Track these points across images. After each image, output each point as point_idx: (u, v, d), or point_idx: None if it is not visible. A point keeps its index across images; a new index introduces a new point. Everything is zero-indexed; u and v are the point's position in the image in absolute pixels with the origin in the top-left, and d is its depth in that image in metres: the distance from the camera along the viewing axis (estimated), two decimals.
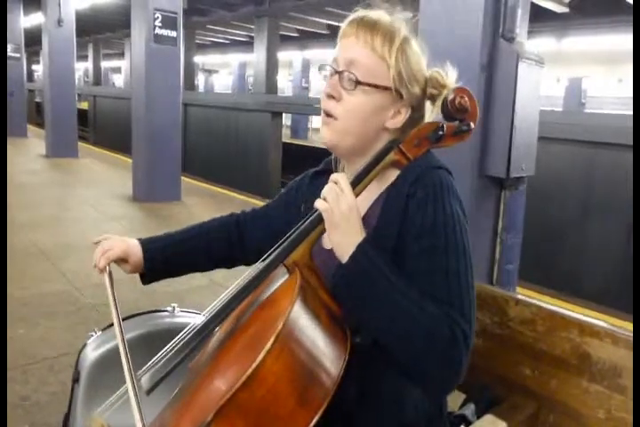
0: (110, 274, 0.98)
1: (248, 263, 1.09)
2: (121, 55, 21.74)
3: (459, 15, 1.88)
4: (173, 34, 5.19)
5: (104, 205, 5.40)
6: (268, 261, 0.80)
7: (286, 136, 12.34)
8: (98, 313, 2.69)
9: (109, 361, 1.09)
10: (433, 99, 0.87)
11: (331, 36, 13.91)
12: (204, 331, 0.76)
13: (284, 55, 12.25)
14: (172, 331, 1.13)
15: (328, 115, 0.85)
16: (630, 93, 14.36)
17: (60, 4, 7.86)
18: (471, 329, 0.74)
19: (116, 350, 1.10)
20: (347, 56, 0.84)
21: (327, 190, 0.77)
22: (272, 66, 10.34)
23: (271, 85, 10.39)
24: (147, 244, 1.04)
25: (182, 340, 0.76)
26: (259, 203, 5.96)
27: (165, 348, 0.76)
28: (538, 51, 2.17)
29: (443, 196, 0.79)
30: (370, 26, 0.83)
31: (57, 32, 7.94)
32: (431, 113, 0.88)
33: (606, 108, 13.46)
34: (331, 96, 0.84)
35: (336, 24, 12.16)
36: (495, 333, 1.07)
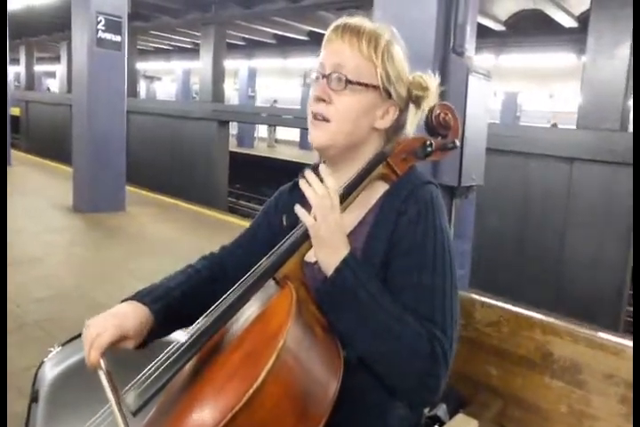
0: (106, 369, 0.74)
1: None
2: (56, 59, 20.80)
3: (412, 31, 1.95)
4: (117, 38, 5.03)
5: (43, 216, 5.12)
6: (257, 274, 0.78)
7: (232, 145, 12.22)
8: (42, 331, 2.54)
9: (71, 378, 1.03)
10: (417, 102, 0.88)
11: (277, 45, 13.98)
12: (195, 346, 0.72)
13: (229, 63, 12.16)
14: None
15: (317, 117, 0.85)
16: (559, 108, 15.34)
17: None
18: (451, 347, 0.75)
19: (77, 366, 1.05)
20: (334, 60, 0.84)
21: (316, 206, 0.76)
22: (219, 74, 10.23)
23: (218, 94, 10.27)
24: (143, 297, 0.84)
25: (169, 357, 0.71)
26: (205, 212, 5.84)
27: (150, 365, 0.71)
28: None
29: (434, 213, 0.80)
30: (355, 30, 0.84)
31: None
32: (414, 116, 0.89)
33: (538, 121, 14.30)
34: (320, 99, 0.84)
35: (282, 33, 12.25)
36: (461, 335, 1.11)
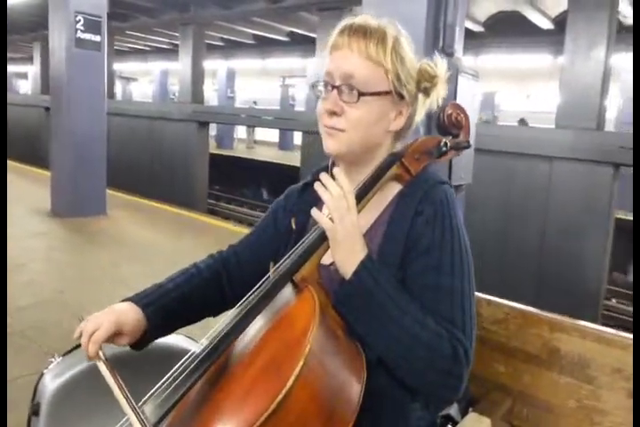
0: (107, 360, 0.77)
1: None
2: (27, 60, 20.30)
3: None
4: (97, 38, 4.93)
5: (20, 221, 4.98)
6: (275, 277, 0.77)
7: (212, 146, 12.12)
8: (27, 340, 2.48)
9: (74, 390, 0.99)
10: (426, 92, 0.87)
11: (257, 45, 13.90)
12: (215, 353, 0.71)
13: (208, 64, 12.04)
14: (146, 352, 1.07)
15: (332, 128, 0.84)
16: (536, 108, 15.58)
17: None
18: (471, 346, 0.76)
19: (80, 378, 1.01)
20: (343, 70, 0.82)
21: (333, 208, 0.75)
22: (198, 75, 10.11)
23: (197, 95, 10.15)
24: (140, 300, 0.87)
25: (187, 366, 0.70)
26: (186, 214, 5.78)
27: (167, 376, 0.70)
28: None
29: (450, 213, 0.80)
30: (361, 33, 0.82)
31: None
32: (422, 106, 0.88)
33: (513, 120, 14.52)
34: (333, 112, 0.83)
35: (262, 34, 12.18)
36: None
